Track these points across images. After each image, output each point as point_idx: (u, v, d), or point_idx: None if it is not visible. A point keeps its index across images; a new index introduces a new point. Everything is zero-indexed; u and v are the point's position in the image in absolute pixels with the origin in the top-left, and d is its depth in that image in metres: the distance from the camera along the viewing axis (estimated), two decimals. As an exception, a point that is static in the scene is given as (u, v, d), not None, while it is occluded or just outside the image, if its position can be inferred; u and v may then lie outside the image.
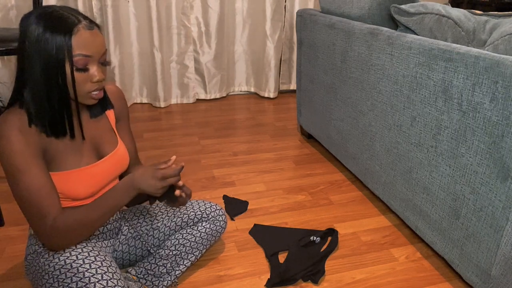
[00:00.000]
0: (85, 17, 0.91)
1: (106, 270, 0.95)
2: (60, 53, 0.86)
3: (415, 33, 1.48)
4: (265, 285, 1.28)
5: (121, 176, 1.22)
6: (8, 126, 0.88)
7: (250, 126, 2.58)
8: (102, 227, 1.10)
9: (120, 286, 0.94)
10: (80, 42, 0.87)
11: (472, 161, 1.13)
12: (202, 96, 3.04)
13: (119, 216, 1.18)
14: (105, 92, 1.10)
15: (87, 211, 0.93)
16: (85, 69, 0.90)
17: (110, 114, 1.12)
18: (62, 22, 0.86)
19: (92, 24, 0.91)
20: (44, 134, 0.93)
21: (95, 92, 0.94)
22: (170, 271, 1.23)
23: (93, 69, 0.92)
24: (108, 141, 1.08)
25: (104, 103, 1.09)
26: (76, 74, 0.89)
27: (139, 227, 1.23)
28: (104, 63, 0.95)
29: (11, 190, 0.92)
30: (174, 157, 1.01)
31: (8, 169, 0.89)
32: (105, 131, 1.08)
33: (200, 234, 1.27)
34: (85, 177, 0.99)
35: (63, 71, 0.88)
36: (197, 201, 1.33)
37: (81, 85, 0.91)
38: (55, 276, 0.94)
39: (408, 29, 1.52)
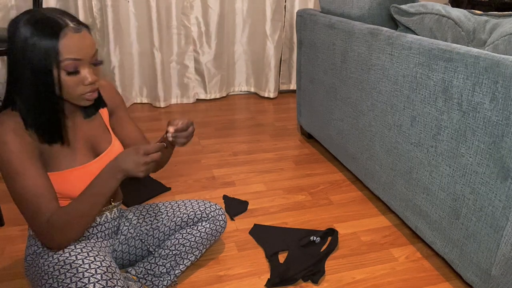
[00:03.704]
0: (73, 19, 0.89)
1: (105, 270, 0.95)
2: (47, 59, 0.85)
3: (415, 33, 1.48)
4: (265, 285, 1.28)
5: None
6: (3, 129, 0.88)
7: (250, 126, 2.58)
8: (101, 226, 1.10)
9: (119, 286, 0.94)
10: (68, 46, 0.86)
11: (472, 161, 1.13)
12: (202, 96, 3.04)
13: (118, 216, 1.18)
14: (99, 91, 1.08)
15: (79, 203, 0.92)
16: (76, 72, 0.89)
17: (103, 112, 1.12)
18: (49, 26, 0.85)
19: (80, 26, 0.89)
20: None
21: (89, 94, 0.93)
22: (170, 271, 1.23)
23: (85, 72, 0.90)
24: (103, 139, 1.08)
25: (97, 103, 1.08)
26: (67, 78, 0.88)
27: (139, 227, 1.23)
28: (96, 63, 0.93)
29: (8, 190, 0.92)
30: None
31: (4, 170, 0.89)
32: (99, 130, 1.08)
33: (200, 234, 1.27)
34: (82, 176, 0.99)
35: (51, 76, 0.87)
36: (197, 201, 1.33)
37: (73, 88, 0.90)
38: (55, 277, 0.94)
39: (408, 29, 1.52)
